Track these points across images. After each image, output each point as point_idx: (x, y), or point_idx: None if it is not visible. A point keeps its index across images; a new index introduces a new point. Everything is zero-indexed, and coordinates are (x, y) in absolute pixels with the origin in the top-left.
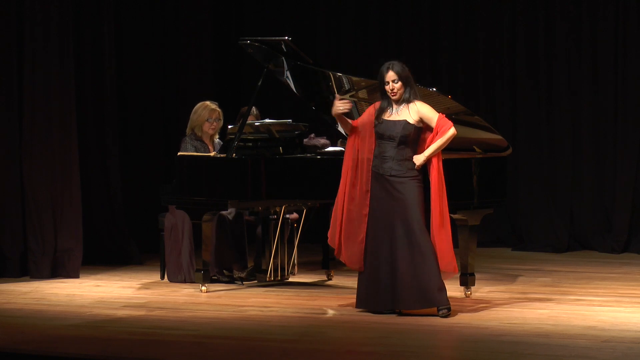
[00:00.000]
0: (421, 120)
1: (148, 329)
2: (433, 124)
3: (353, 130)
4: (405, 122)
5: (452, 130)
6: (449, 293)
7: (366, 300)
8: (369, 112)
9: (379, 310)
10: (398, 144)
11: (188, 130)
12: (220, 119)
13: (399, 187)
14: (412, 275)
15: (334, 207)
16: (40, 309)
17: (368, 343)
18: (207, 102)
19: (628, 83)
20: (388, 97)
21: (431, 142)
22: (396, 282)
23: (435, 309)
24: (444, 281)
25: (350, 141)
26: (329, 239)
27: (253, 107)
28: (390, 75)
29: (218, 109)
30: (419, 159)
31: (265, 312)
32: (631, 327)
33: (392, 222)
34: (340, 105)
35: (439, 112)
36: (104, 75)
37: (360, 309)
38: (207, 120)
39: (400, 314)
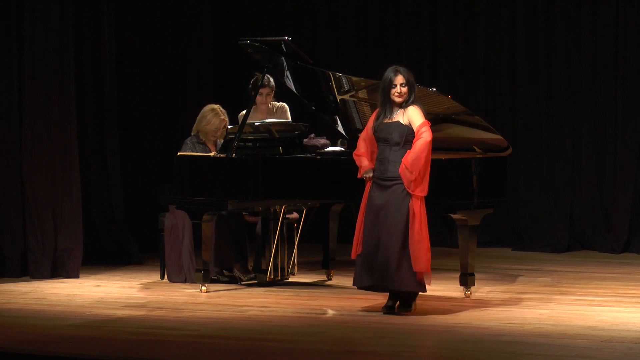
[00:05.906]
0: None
1: (148, 329)
2: (415, 127)
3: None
4: (398, 123)
5: (423, 139)
6: (450, 293)
7: (360, 277)
8: (373, 119)
9: (370, 285)
10: (393, 145)
11: (194, 131)
12: (227, 127)
13: (391, 187)
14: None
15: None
16: (40, 309)
17: (368, 343)
18: (217, 109)
19: (628, 83)
20: (387, 102)
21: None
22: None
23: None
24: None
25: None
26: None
27: (267, 76)
28: (400, 79)
29: (226, 118)
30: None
31: (265, 312)
32: (631, 327)
33: (381, 216)
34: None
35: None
36: (104, 75)
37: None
38: (216, 129)
39: (400, 314)
